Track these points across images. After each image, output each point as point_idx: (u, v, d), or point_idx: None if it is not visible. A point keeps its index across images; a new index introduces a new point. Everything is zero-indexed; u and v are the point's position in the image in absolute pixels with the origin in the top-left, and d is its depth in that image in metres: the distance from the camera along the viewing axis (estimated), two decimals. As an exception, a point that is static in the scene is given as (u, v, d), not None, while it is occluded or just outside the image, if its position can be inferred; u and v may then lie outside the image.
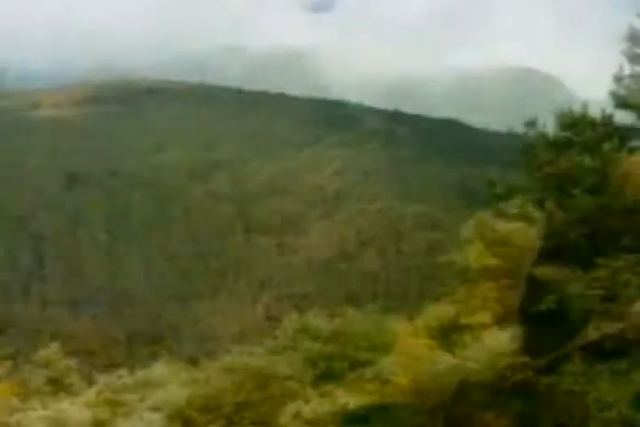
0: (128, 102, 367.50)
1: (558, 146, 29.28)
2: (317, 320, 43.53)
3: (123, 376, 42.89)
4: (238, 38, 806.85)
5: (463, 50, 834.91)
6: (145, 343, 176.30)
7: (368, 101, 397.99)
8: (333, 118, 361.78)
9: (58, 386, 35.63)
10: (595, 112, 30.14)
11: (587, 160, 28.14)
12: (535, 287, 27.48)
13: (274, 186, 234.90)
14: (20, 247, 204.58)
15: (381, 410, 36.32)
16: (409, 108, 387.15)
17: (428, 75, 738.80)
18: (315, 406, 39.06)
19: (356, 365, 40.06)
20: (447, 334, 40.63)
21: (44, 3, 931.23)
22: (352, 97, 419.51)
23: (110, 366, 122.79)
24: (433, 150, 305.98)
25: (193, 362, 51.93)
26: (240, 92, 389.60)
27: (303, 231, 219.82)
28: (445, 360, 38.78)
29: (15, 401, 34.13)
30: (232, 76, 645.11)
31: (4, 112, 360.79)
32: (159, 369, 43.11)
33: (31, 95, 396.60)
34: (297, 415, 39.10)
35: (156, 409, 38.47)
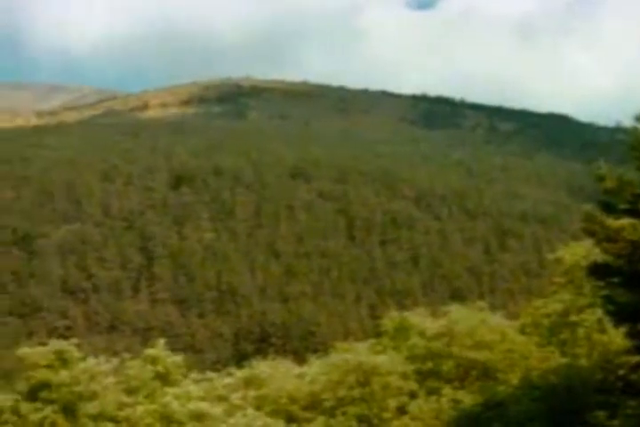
0: (232, 102, 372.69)
1: (669, 139, 28.29)
2: (419, 318, 43.08)
3: (230, 373, 43.22)
4: (340, 36, 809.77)
5: (573, 47, 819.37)
6: (251, 341, 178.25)
7: (470, 97, 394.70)
8: (435, 115, 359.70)
9: (165, 382, 36.10)
10: None
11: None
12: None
13: (376, 184, 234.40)
14: (130, 246, 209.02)
15: (494, 408, 35.76)
16: (515, 104, 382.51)
17: (533, 70, 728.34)
18: (421, 402, 38.69)
19: (462, 362, 39.53)
20: (556, 332, 39.74)
21: (149, 5, 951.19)
22: (454, 93, 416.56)
23: (218, 363, 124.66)
24: (539, 145, 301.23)
25: (299, 359, 52.02)
26: (342, 89, 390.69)
27: (407, 228, 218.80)
28: (555, 358, 38.00)
29: (124, 397, 34.75)
30: (333, 74, 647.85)
31: (113, 113, 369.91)
32: (264, 366, 43.30)
33: (139, 96, 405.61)
34: (402, 411, 38.81)
35: (259, 405, 38.66)
